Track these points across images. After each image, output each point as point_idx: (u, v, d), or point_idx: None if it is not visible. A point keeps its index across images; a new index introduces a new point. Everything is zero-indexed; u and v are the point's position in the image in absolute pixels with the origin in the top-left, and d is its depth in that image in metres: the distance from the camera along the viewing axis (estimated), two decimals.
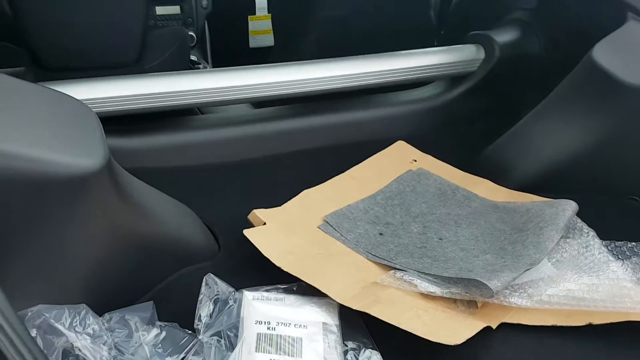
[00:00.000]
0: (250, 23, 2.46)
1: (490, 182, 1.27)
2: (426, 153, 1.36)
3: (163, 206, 1.00)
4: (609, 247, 1.03)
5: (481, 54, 1.55)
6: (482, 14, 1.74)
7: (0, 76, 0.80)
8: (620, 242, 1.03)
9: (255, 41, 2.49)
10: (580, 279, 0.93)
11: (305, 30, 1.65)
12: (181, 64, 1.37)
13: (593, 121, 1.21)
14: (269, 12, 1.82)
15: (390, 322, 0.84)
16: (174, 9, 2.30)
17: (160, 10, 2.27)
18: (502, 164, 1.31)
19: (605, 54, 1.20)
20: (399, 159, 1.33)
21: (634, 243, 1.02)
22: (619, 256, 1.01)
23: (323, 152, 1.37)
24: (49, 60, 1.19)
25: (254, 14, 2.42)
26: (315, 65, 1.40)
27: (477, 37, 1.57)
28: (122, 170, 0.90)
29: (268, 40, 2.19)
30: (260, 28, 2.42)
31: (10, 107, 0.76)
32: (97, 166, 0.75)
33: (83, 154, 0.76)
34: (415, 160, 1.33)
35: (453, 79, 1.57)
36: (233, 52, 2.42)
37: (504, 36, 1.56)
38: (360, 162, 1.29)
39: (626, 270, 0.96)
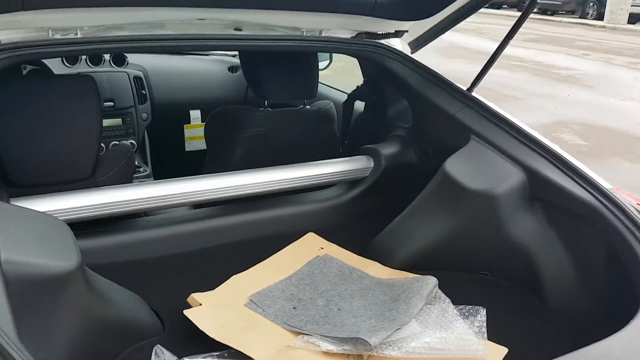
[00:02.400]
0: (186, 131, 2.84)
1: (378, 263, 1.63)
2: (331, 242, 1.72)
3: (118, 295, 1.29)
4: (460, 310, 1.40)
5: (371, 163, 1.95)
6: (373, 130, 2.14)
7: None
8: (469, 306, 1.40)
9: (190, 145, 2.86)
10: (434, 334, 1.29)
11: (234, 144, 1.99)
12: (128, 177, 1.68)
13: (449, 215, 1.59)
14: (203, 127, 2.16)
15: None
16: (116, 122, 2.63)
17: (105, 122, 2.60)
18: (386, 250, 1.67)
19: (454, 166, 1.60)
20: (309, 248, 1.68)
21: (478, 307, 1.39)
22: (468, 316, 1.38)
23: (249, 244, 1.70)
24: (17, 178, 1.48)
25: (189, 123, 2.81)
26: (241, 175, 1.75)
27: (367, 150, 1.98)
28: (86, 267, 1.18)
29: (201, 144, 2.54)
30: (195, 135, 2.82)
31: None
32: (73, 267, 1.04)
33: (61, 258, 1.04)
34: (322, 248, 1.69)
35: (351, 183, 1.96)
36: (170, 156, 2.76)
37: (388, 149, 1.97)
38: (279, 251, 1.63)
39: (469, 326, 1.33)
